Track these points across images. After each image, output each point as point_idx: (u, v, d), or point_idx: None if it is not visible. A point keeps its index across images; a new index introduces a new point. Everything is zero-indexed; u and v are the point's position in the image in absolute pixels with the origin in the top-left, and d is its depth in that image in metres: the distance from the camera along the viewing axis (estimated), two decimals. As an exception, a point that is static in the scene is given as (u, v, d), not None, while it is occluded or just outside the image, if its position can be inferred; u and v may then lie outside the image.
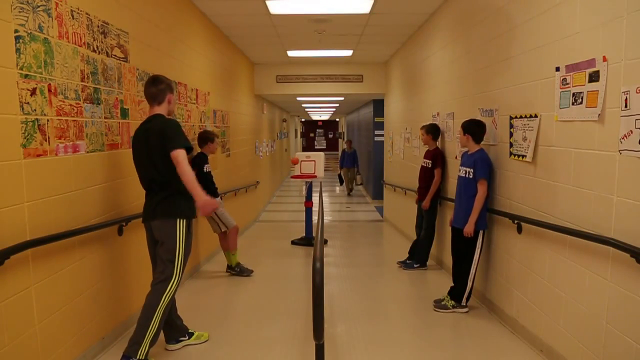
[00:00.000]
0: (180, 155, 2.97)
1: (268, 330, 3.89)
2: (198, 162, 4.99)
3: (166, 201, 3.13)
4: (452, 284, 4.26)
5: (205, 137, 5.17)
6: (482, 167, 3.97)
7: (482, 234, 4.07)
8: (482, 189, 3.97)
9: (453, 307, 4.16)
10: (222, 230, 5.36)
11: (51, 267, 2.80)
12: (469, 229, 4.02)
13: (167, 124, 3.10)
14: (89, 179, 3.19)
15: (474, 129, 4.09)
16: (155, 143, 3.05)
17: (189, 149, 3.08)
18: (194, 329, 3.62)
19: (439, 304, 4.23)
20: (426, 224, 5.48)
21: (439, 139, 5.54)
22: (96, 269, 3.30)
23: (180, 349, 3.48)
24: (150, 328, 3.00)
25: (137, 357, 2.96)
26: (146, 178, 3.18)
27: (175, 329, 3.47)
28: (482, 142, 4.12)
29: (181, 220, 3.13)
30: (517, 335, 3.65)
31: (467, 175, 4.09)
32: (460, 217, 4.15)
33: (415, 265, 5.55)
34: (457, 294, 4.17)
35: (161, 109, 3.22)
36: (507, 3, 3.76)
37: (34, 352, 2.63)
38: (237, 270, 5.44)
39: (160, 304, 3.04)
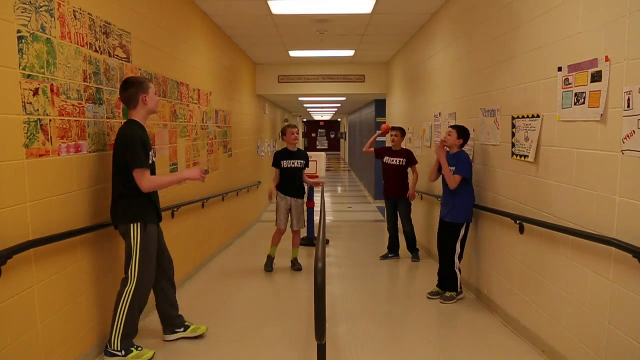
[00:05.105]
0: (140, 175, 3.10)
1: (269, 330, 3.89)
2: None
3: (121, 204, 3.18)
4: (443, 277, 4.54)
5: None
6: (464, 166, 4.28)
7: (464, 227, 4.35)
8: (455, 179, 4.26)
9: (456, 296, 4.45)
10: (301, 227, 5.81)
11: (53, 267, 2.80)
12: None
13: (127, 138, 3.10)
14: (91, 179, 3.20)
15: (466, 135, 4.39)
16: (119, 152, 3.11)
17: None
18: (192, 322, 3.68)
19: (444, 297, 4.44)
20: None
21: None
22: (98, 268, 3.31)
23: (175, 340, 3.57)
24: (116, 322, 3.14)
25: (111, 347, 3.15)
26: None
27: (169, 321, 3.59)
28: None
29: (135, 224, 3.16)
30: (519, 335, 3.65)
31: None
32: (446, 211, 4.43)
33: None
34: (452, 285, 4.45)
35: (137, 112, 3.22)
36: (509, 3, 3.76)
37: (35, 352, 2.64)
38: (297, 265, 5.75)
39: (121, 304, 3.14)
